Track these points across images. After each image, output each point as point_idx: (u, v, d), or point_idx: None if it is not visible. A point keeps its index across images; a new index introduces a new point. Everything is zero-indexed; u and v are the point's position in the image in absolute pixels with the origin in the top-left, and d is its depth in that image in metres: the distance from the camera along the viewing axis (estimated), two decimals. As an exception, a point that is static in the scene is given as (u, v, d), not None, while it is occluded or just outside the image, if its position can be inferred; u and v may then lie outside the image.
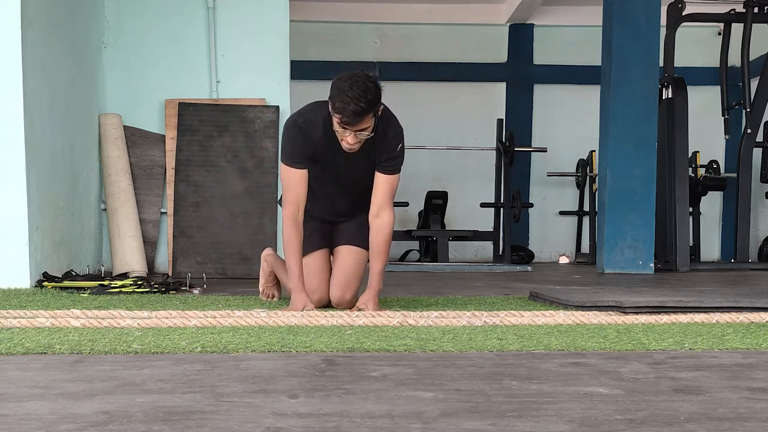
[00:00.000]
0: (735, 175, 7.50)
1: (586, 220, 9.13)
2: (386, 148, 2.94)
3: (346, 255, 3.09)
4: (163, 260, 5.67)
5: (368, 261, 3.08)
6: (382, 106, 2.86)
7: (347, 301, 3.05)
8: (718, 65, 7.55)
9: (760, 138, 7.51)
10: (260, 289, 3.48)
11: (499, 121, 8.14)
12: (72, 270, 4.55)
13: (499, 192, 8.03)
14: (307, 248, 3.06)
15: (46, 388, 1.52)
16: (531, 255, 8.81)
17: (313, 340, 2.14)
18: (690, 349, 2.09)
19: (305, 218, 3.01)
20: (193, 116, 5.56)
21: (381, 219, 2.95)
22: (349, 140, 2.82)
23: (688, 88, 6.99)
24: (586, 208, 9.09)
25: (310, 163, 2.96)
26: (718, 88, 7.52)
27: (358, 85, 2.74)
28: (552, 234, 9.57)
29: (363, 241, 3.06)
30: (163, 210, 5.62)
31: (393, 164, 2.98)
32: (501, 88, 9.55)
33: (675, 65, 7.15)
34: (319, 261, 3.12)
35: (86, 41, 5.35)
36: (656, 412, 1.36)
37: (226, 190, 5.48)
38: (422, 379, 1.63)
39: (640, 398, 1.47)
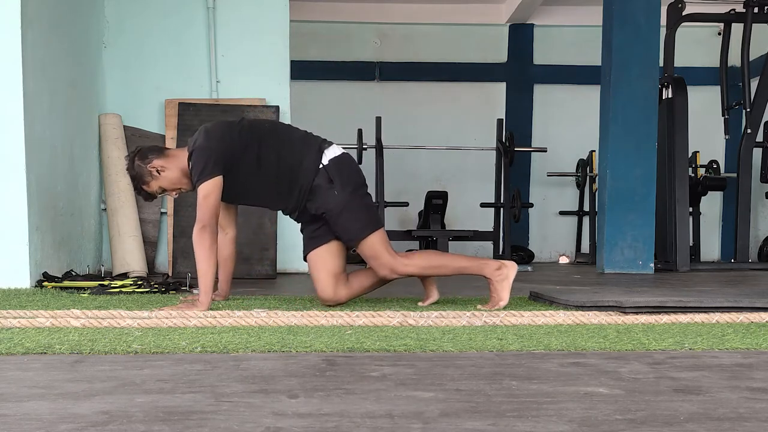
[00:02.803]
0: (735, 175, 7.50)
1: (586, 220, 9.13)
2: None
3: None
4: (163, 260, 5.67)
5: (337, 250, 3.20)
6: (153, 164, 3.13)
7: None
8: (718, 65, 7.55)
9: (760, 138, 7.51)
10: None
11: (499, 121, 8.15)
12: (72, 270, 4.55)
13: (499, 192, 8.03)
14: None
15: (46, 388, 1.52)
16: (531, 255, 8.81)
17: (313, 340, 2.14)
18: (690, 349, 2.09)
19: None
20: (193, 116, 5.56)
21: None
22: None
23: (688, 88, 6.99)
24: (586, 208, 9.09)
25: None
26: (718, 88, 7.52)
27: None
28: (552, 234, 9.57)
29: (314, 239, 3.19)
30: (163, 210, 5.62)
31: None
32: (501, 88, 9.55)
33: (675, 65, 7.15)
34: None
35: (86, 41, 5.35)
36: (656, 412, 1.36)
37: (226, 190, 5.48)
38: (422, 379, 1.63)
39: (640, 398, 1.47)
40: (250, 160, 3.08)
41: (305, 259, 3.27)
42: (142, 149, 3.22)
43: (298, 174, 3.10)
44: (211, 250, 2.97)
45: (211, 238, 2.97)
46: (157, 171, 3.15)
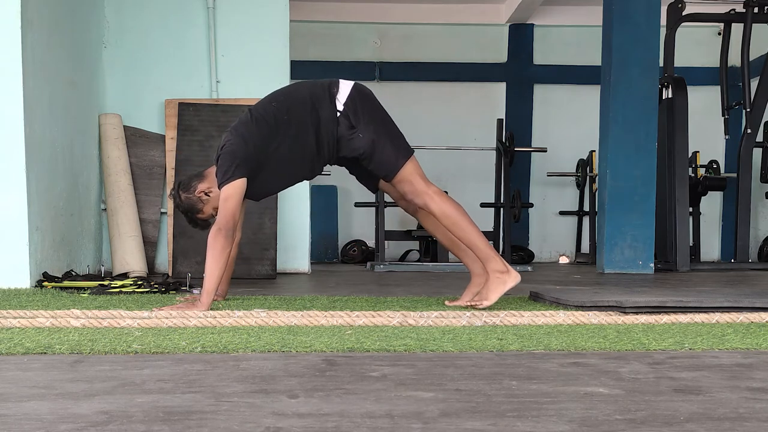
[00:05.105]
0: (735, 175, 7.51)
1: (586, 220, 9.14)
2: None
3: None
4: (164, 260, 5.67)
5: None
6: (198, 189, 3.23)
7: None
8: (718, 65, 7.55)
9: (760, 138, 7.52)
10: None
11: (499, 121, 8.16)
12: (72, 270, 4.55)
13: (499, 192, 8.04)
14: None
15: (46, 388, 1.52)
16: (531, 255, 8.81)
17: (313, 340, 2.14)
18: (690, 349, 2.09)
19: None
20: (193, 116, 5.56)
21: None
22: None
23: (688, 88, 7.00)
24: (586, 208, 9.10)
25: None
26: (718, 88, 7.53)
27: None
28: (552, 234, 9.58)
29: None
30: (163, 210, 5.62)
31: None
32: (501, 88, 9.56)
33: (675, 65, 7.15)
34: None
35: (86, 41, 5.35)
36: (656, 412, 1.36)
37: (226, 190, 5.48)
38: (422, 379, 1.63)
39: (640, 398, 1.47)
40: (277, 146, 3.06)
41: (375, 191, 3.31)
42: (182, 181, 3.27)
43: (321, 131, 3.06)
44: (223, 253, 2.95)
45: (224, 242, 2.95)
46: (206, 194, 3.20)
